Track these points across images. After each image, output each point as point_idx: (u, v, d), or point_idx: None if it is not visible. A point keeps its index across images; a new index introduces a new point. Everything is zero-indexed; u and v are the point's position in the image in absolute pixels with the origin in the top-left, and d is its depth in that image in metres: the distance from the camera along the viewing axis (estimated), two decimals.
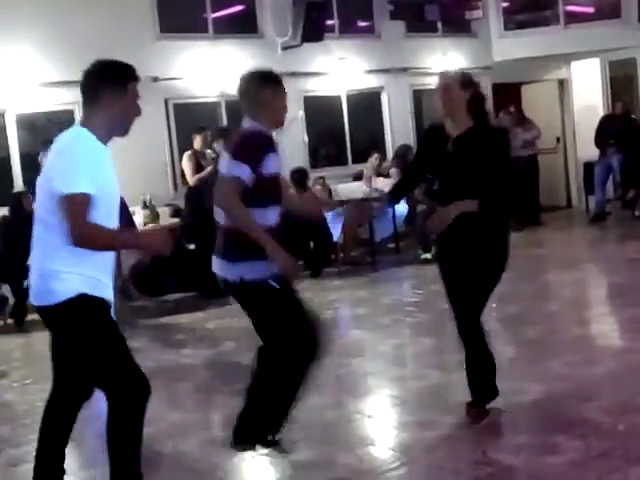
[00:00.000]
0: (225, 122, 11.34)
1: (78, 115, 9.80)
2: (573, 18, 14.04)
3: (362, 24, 13.30)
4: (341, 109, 12.64)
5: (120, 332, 3.42)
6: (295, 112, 11.11)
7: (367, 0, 13.03)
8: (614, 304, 7.56)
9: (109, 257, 3.47)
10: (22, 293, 8.62)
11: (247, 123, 3.85)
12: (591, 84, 14.67)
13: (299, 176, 10.18)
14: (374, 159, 11.68)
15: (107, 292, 3.45)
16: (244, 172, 3.64)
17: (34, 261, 3.42)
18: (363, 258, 10.81)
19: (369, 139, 12.97)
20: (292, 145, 10.99)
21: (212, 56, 10.88)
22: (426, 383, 5.29)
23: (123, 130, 3.48)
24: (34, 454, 4.40)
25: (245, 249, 3.67)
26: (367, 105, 13.04)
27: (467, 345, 4.43)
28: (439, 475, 3.82)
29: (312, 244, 10.27)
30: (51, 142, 3.43)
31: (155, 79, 10.19)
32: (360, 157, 12.25)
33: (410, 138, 12.97)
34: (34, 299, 3.43)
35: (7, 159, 9.67)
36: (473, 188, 4.16)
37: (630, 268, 8.77)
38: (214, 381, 5.97)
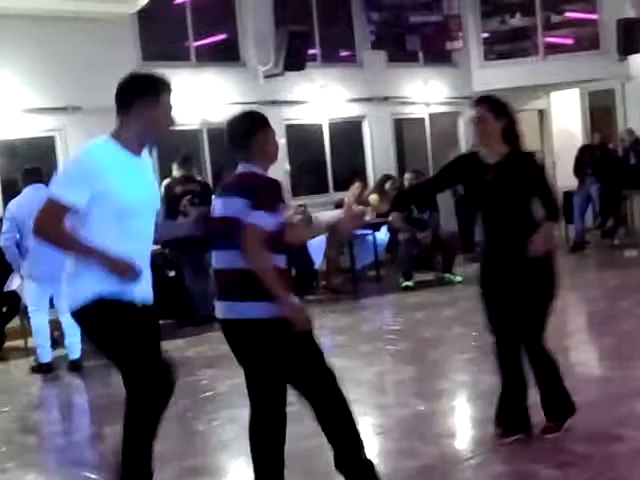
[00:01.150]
0: (207, 150, 11.37)
1: (59, 141, 9.80)
2: (553, 49, 14.22)
3: (344, 53, 13.40)
4: (322, 138, 12.69)
5: (141, 331, 3.50)
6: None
7: (349, 29, 13.14)
8: (594, 332, 7.60)
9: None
10: (1, 319, 8.57)
11: (244, 168, 3.80)
12: (570, 114, 14.81)
13: None
14: (355, 188, 11.69)
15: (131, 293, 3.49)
16: (269, 221, 3.60)
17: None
18: (344, 286, 10.80)
19: (350, 168, 13.00)
20: (274, 173, 10.98)
21: (194, 84, 10.90)
22: (407, 412, 5.28)
23: (154, 141, 3.67)
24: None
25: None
26: (349, 134, 13.10)
27: (534, 366, 4.51)
28: None
29: (293, 271, 10.26)
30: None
31: None
32: (342, 185, 12.28)
33: (391, 167, 13.04)
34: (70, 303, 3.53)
35: None
36: (516, 213, 4.35)
37: (610, 296, 8.81)
38: (192, 409, 5.92)
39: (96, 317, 3.43)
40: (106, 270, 3.38)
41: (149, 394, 3.50)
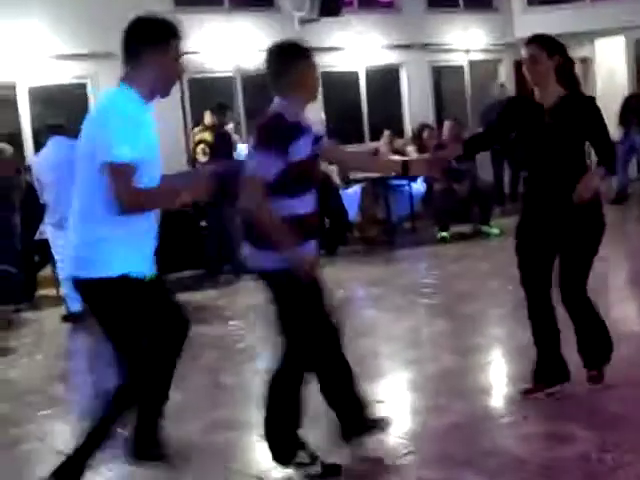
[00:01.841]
0: (240, 97, 11.22)
1: (91, 87, 9.72)
2: None
3: None
4: (359, 86, 12.46)
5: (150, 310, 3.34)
6: None
7: None
8: (634, 287, 7.39)
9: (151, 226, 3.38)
10: (33, 267, 8.59)
11: (276, 103, 3.59)
12: (616, 63, 14.38)
13: None
14: (386, 137, 11.51)
15: (146, 266, 3.34)
16: (269, 166, 3.42)
17: (75, 230, 3.31)
18: (379, 237, 10.68)
19: (387, 116, 12.78)
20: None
21: (228, 30, 10.73)
22: (439, 367, 5.17)
23: (165, 90, 3.38)
24: (37, 434, 4.36)
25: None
26: (385, 81, 12.86)
27: (575, 315, 4.39)
28: (448, 464, 3.70)
29: (327, 222, 10.15)
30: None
31: None
32: (377, 134, 12.09)
33: (429, 115, 12.79)
34: (74, 270, 3.31)
35: (19, 132, 9.62)
36: (573, 158, 4.16)
37: None
38: (221, 361, 5.87)
39: (113, 293, 3.22)
40: (190, 198, 3.33)
41: (146, 377, 3.39)
